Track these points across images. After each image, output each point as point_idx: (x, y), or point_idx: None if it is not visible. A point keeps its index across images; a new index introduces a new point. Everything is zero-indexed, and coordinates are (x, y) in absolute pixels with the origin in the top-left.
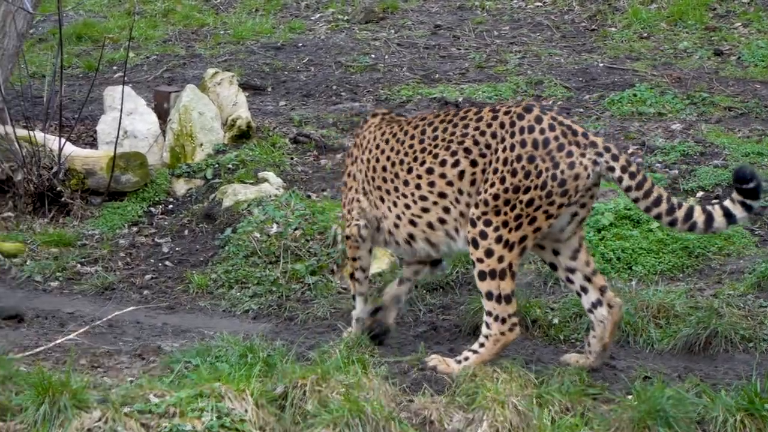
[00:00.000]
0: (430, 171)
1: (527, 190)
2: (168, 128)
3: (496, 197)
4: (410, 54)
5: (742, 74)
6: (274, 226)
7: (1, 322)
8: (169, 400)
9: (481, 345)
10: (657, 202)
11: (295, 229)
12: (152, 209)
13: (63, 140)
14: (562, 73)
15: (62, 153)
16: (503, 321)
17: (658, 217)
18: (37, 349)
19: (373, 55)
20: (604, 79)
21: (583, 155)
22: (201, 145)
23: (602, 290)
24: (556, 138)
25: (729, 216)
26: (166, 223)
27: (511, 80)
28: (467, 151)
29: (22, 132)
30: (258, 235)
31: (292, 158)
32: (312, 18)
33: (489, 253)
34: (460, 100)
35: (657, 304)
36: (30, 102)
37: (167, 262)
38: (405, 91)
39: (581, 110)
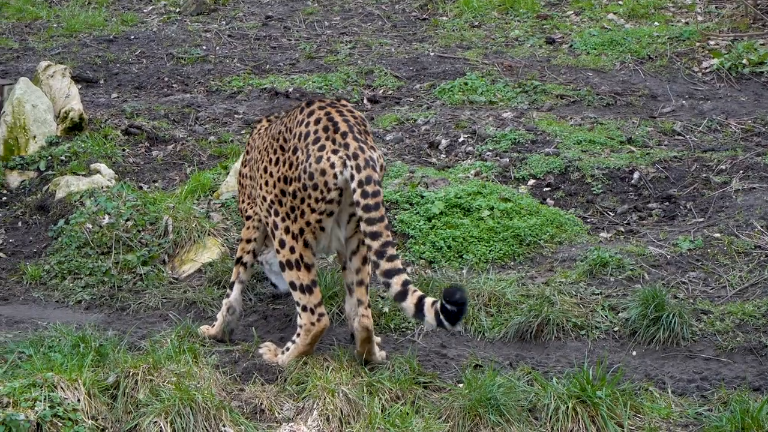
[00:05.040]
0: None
1: (290, 181)
2: (1, 121)
3: (274, 186)
4: (241, 45)
5: (574, 62)
6: (106, 217)
7: None
8: (2, 390)
9: (298, 335)
10: (375, 235)
11: (127, 220)
12: None
13: None
14: (393, 63)
15: None
16: (311, 311)
17: (370, 250)
18: None
19: (204, 47)
20: (435, 68)
21: (335, 152)
22: (34, 137)
23: (359, 302)
24: (316, 132)
25: (419, 314)
26: None
27: (341, 70)
28: (282, 148)
29: None
30: (90, 226)
31: (123, 150)
32: (144, 11)
33: (282, 243)
34: (291, 90)
35: (488, 292)
36: None
37: (1, 254)
38: (236, 82)
39: (411, 99)
